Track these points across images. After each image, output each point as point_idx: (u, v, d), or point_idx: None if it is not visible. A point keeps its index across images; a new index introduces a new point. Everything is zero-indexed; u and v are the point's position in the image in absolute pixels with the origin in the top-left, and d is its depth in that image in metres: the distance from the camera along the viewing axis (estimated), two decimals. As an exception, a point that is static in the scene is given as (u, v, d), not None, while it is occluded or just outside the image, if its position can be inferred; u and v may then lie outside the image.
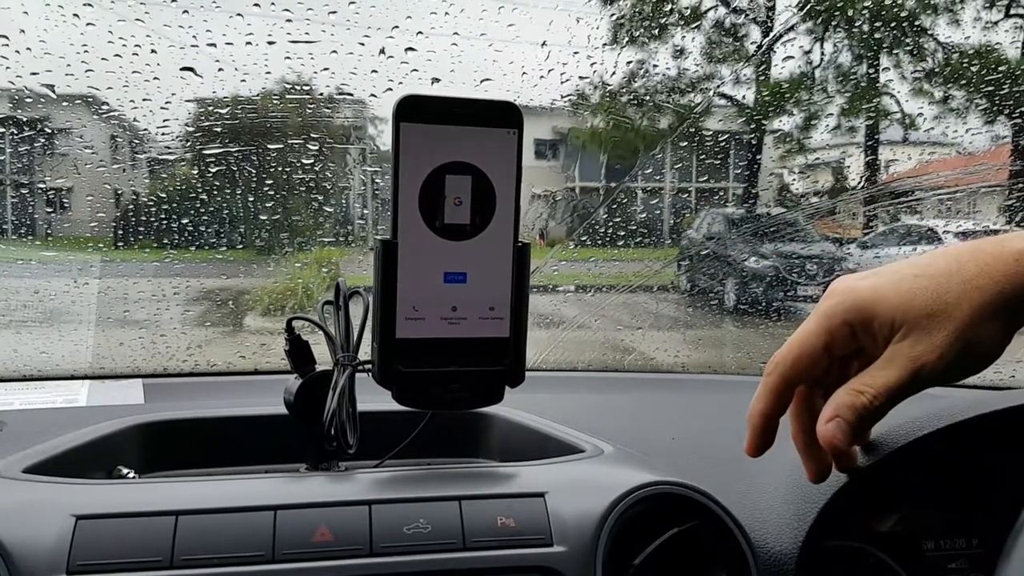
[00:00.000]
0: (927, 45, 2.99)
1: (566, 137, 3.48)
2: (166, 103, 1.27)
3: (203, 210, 1.44)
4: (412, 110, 0.54)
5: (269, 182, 1.44)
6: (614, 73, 2.06)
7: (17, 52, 1.14)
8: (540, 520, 0.54)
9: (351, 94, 1.38)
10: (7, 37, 1.13)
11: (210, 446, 0.73)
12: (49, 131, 1.42)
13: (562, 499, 0.55)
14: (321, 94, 1.42)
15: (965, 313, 0.46)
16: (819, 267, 2.78)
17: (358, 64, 1.26)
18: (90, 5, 1.14)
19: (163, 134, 1.40)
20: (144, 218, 1.55)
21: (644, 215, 2.97)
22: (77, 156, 1.42)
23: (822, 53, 3.17)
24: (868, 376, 0.48)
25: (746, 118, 3.10)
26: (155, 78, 1.21)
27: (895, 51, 3.00)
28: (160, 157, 1.60)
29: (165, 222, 1.50)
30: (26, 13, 1.16)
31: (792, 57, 3.03)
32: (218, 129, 1.42)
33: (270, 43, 1.24)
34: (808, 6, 2.70)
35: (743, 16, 3.34)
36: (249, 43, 1.23)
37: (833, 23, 3.10)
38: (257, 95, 1.37)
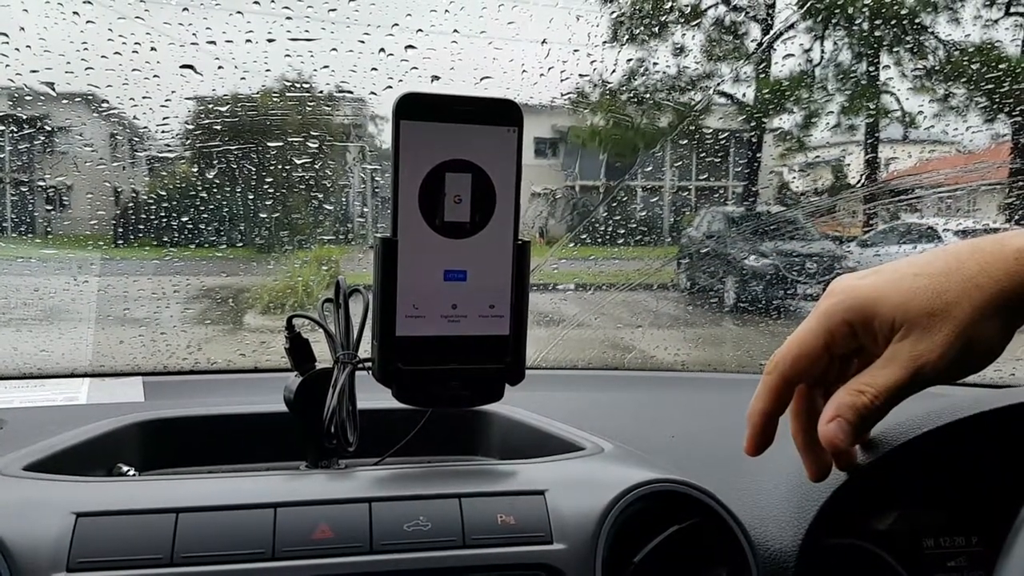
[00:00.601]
0: (927, 43, 2.99)
1: (566, 135, 3.48)
2: (166, 101, 1.26)
3: (203, 208, 1.44)
4: (412, 108, 0.54)
5: (269, 180, 1.44)
6: (614, 71, 2.06)
7: (17, 50, 1.14)
8: (540, 518, 0.54)
9: (351, 92, 1.38)
10: (7, 35, 1.13)
11: (210, 444, 0.73)
12: (49, 129, 1.42)
13: (562, 497, 0.55)
14: (321, 92, 1.42)
15: (965, 312, 0.46)
16: (819, 265, 2.78)
17: (358, 62, 1.26)
18: (90, 3, 1.14)
19: (163, 132, 1.40)
20: (144, 216, 1.55)
21: (644, 213, 2.97)
22: (77, 154, 1.42)
23: (822, 51, 3.18)
24: (869, 376, 0.48)
25: (746, 116, 3.10)
26: (155, 76, 1.21)
27: (895, 49, 3.01)
28: (160, 155, 1.60)
29: (165, 220, 1.49)
30: (26, 11, 1.16)
31: (792, 55, 3.03)
32: (218, 127, 1.42)
33: (270, 41, 1.24)
34: (808, 4, 2.70)
35: (743, 14, 3.34)
36: (249, 41, 1.23)
37: (833, 21, 3.10)
38: (257, 93, 1.37)
